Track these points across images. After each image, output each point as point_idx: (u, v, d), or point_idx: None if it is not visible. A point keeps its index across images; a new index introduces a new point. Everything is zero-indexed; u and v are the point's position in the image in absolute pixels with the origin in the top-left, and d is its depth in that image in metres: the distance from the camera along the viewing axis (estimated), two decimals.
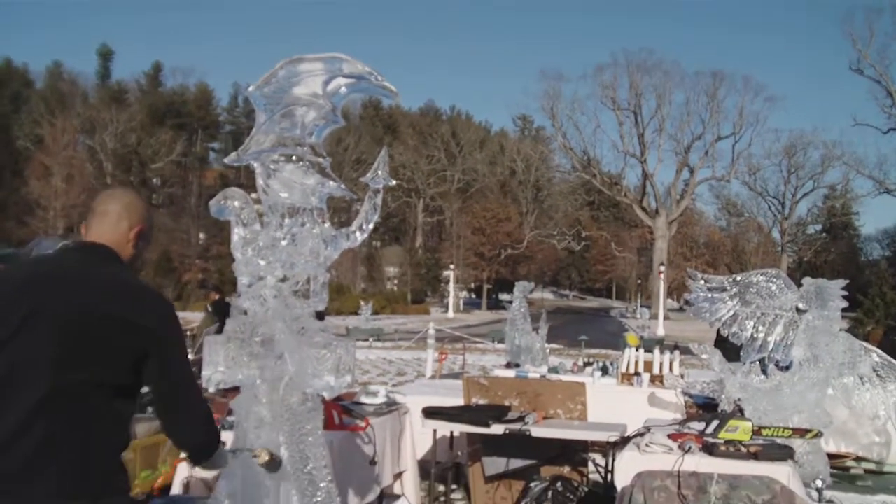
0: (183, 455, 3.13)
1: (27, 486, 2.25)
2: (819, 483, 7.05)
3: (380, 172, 3.50)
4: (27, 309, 2.40)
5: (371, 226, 3.49)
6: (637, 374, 9.35)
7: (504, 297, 66.09)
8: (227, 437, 4.83)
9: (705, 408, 8.12)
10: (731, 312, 7.33)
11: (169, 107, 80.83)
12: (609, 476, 6.64)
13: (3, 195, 58.93)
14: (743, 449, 5.22)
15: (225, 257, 58.14)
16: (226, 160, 3.55)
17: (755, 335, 7.25)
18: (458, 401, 7.32)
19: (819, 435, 6.23)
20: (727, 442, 5.27)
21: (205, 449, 2.79)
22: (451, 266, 64.16)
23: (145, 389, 2.59)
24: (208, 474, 3.27)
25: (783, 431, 5.79)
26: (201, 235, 69.84)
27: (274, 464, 3.15)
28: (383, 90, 3.37)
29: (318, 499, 3.22)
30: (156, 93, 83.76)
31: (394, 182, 3.59)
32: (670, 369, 9.44)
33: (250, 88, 3.35)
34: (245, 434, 3.26)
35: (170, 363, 2.56)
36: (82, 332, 2.39)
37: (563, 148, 76.36)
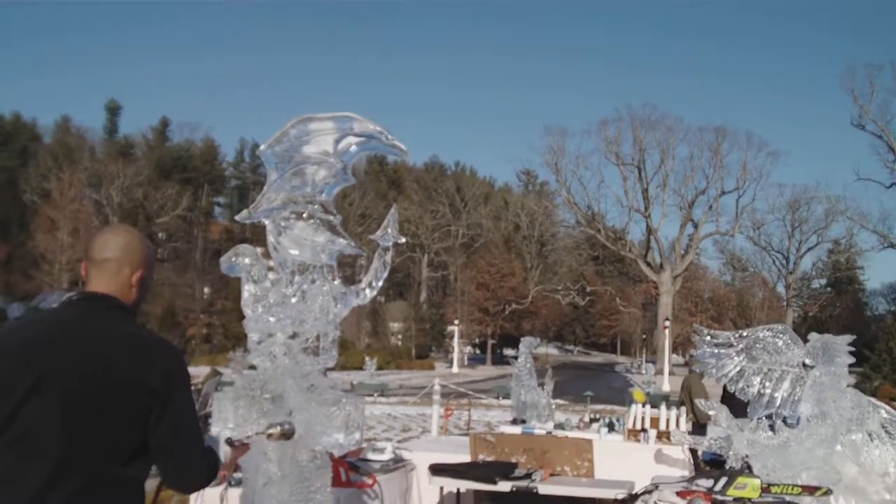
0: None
1: None
2: None
3: (389, 231, 3.54)
4: (32, 378, 2.33)
5: (381, 283, 3.53)
6: (644, 430, 9.31)
7: (509, 352, 65.82)
8: (234, 494, 4.83)
9: (713, 464, 8.07)
10: (738, 368, 7.31)
11: (175, 161, 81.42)
12: None
13: (10, 249, 59.18)
14: None
15: (229, 312, 58.11)
16: (237, 217, 3.59)
17: (762, 391, 7.22)
18: (465, 457, 7.28)
19: (828, 492, 6.18)
20: (736, 499, 5.25)
21: (206, 483, 2.71)
22: (456, 321, 63.92)
23: None
24: None
25: (792, 489, 5.75)
26: (206, 290, 69.90)
27: (286, 436, 3.11)
28: (393, 149, 3.43)
29: None
30: (162, 147, 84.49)
31: (403, 240, 3.63)
32: (677, 425, 9.40)
33: (262, 147, 3.40)
34: (253, 491, 3.26)
35: (174, 411, 2.47)
36: (88, 399, 2.34)
37: (567, 203, 76.53)
